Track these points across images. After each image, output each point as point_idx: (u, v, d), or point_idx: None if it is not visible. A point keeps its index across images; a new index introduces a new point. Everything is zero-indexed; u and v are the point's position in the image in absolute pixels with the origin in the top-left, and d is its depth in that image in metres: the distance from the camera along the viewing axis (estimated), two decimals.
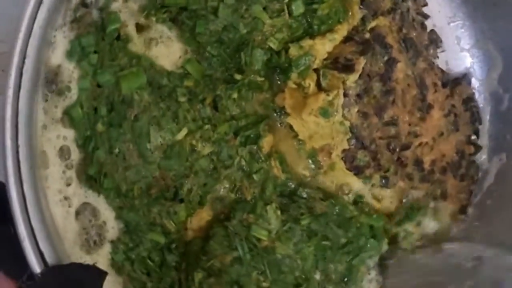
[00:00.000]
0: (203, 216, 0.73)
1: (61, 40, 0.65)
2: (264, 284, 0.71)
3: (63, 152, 0.66)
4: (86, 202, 0.67)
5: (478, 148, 0.83)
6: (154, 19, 0.69)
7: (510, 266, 0.67)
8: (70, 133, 0.67)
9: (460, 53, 0.84)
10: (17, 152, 0.61)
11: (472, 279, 0.68)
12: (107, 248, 0.68)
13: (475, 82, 0.83)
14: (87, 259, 0.67)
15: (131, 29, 0.69)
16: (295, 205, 0.74)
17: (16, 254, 0.59)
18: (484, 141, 0.82)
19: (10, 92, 0.60)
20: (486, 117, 0.82)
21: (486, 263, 0.69)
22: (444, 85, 0.80)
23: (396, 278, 0.75)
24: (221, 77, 0.72)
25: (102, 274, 0.61)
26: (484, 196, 0.81)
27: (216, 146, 0.72)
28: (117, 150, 0.67)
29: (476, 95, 0.82)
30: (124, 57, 0.68)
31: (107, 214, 0.68)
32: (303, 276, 0.73)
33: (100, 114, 0.67)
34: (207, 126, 0.71)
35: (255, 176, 0.74)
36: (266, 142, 0.74)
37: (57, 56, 0.65)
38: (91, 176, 0.67)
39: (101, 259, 0.68)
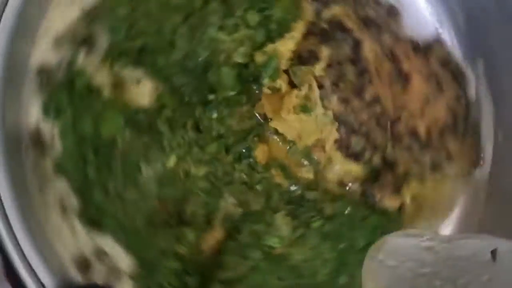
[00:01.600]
0: (215, 235, 0.74)
1: (34, 104, 0.69)
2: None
3: (64, 203, 0.69)
4: (96, 247, 0.70)
5: (468, 103, 0.82)
6: (117, 67, 0.73)
7: None
8: (64, 184, 0.70)
9: None
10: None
11: (488, 273, 0.62)
12: (128, 283, 0.70)
13: None
14: None
15: (99, 80, 0.72)
16: (304, 209, 0.74)
17: None
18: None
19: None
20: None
21: (503, 256, 0.63)
22: (416, 52, 0.81)
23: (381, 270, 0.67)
24: (197, 101, 0.74)
25: None
26: None
27: (210, 166, 0.73)
28: (112, 191, 0.70)
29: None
30: (98, 104, 0.71)
31: (117, 251, 0.70)
32: (328, 281, 0.72)
33: (88, 159, 0.70)
34: (195, 149, 0.73)
35: (258, 187, 0.74)
36: (260, 152, 0.75)
37: (33, 118, 0.69)
38: (93, 219, 0.70)
39: None
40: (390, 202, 0.77)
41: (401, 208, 0.78)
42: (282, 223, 0.73)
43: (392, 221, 0.76)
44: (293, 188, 0.76)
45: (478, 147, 0.81)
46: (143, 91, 0.73)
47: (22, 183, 0.67)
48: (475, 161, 0.81)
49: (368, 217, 0.76)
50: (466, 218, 0.81)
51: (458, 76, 0.82)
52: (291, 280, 0.71)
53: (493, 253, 0.62)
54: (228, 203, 0.74)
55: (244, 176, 0.74)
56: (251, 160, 0.75)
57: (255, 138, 0.75)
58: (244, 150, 0.75)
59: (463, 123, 0.81)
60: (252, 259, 0.71)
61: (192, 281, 0.71)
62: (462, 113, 0.82)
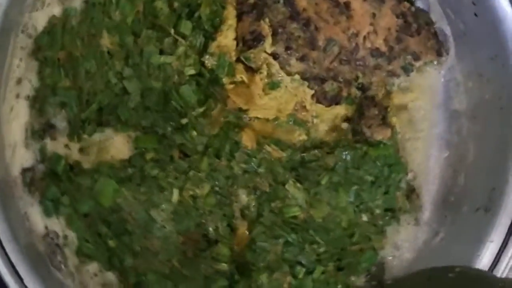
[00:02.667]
0: (242, 230, 0.77)
1: (33, 211, 0.72)
2: (321, 250, 0.77)
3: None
4: None
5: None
6: (86, 136, 0.74)
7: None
8: (94, 266, 0.74)
9: None
10: None
11: None
12: None
13: None
14: None
15: (74, 155, 0.74)
16: (309, 171, 0.78)
17: None
18: None
19: None
20: None
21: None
22: None
23: None
24: (172, 130, 0.75)
25: None
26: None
27: (210, 180, 0.76)
28: (138, 249, 0.73)
29: None
30: (86, 179, 0.73)
31: None
32: (352, 224, 0.78)
33: (104, 233, 0.73)
34: (191, 173, 0.75)
35: (260, 170, 0.77)
36: (246, 140, 0.77)
37: (39, 223, 0.72)
38: (136, 282, 0.74)
39: None
40: (380, 134, 0.80)
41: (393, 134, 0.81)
42: (294, 191, 0.76)
43: (389, 148, 0.80)
44: (292, 156, 0.78)
45: (436, 36, 0.83)
46: (119, 145, 0.74)
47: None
48: (439, 49, 0.83)
49: (366, 153, 0.79)
50: None
51: None
52: (324, 240, 0.76)
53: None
54: (241, 198, 0.77)
55: (244, 166, 0.76)
56: (242, 150, 0.76)
57: (236, 130, 0.77)
58: (231, 147, 0.76)
59: (413, 19, 0.83)
60: (283, 237, 0.75)
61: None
62: (408, 11, 0.83)
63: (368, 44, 0.81)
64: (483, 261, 0.73)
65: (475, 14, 0.78)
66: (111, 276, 0.75)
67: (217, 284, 0.75)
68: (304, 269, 0.75)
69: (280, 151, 0.78)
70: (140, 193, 0.74)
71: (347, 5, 0.80)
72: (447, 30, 0.84)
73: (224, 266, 0.75)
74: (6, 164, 0.72)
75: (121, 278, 0.75)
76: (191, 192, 0.75)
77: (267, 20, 0.76)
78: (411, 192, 0.82)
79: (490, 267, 0.73)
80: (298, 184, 0.77)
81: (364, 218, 0.78)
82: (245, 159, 0.77)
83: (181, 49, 0.75)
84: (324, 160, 0.78)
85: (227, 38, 0.76)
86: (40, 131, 0.74)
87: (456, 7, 0.81)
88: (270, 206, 0.76)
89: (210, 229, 0.75)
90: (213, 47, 0.76)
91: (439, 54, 0.83)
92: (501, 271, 0.72)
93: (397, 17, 0.82)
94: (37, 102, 0.74)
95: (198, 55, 0.76)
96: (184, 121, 0.75)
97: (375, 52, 0.81)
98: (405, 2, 0.82)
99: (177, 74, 0.75)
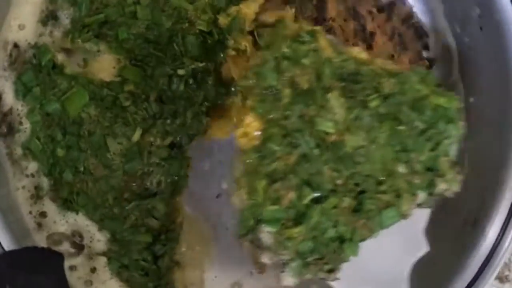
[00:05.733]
0: (252, 123, 0.64)
1: (7, 87, 0.73)
2: (339, 182, 0.63)
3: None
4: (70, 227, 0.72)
5: (431, 61, 0.83)
6: (79, 40, 0.73)
7: None
8: (34, 165, 0.72)
9: None
10: None
11: None
12: (102, 260, 0.72)
13: None
14: None
15: (62, 56, 0.73)
16: (359, 86, 0.65)
17: None
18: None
19: None
20: None
21: None
22: (379, 11, 0.81)
23: None
24: (161, 73, 0.74)
25: (60, 256, 0.64)
26: None
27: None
28: (82, 168, 0.71)
29: None
30: (63, 81, 0.72)
31: (90, 228, 0.72)
32: (385, 169, 0.65)
33: (57, 139, 0.71)
34: (160, 121, 0.73)
35: (305, 61, 0.65)
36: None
37: (8, 102, 0.72)
38: (66, 198, 0.71)
39: (100, 272, 0.72)
40: None
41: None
42: (335, 104, 0.64)
43: (453, 100, 0.68)
44: (345, 64, 0.66)
45: None
46: (104, 65, 0.73)
47: None
48: None
49: (428, 96, 0.67)
50: None
51: (421, 34, 0.83)
52: (346, 171, 0.63)
53: None
54: None
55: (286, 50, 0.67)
56: None
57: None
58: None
59: None
60: (302, 147, 0.63)
61: (159, 248, 0.73)
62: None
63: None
64: (464, 276, 0.71)
65: (481, 28, 0.76)
66: (45, 183, 0.73)
67: (140, 237, 0.72)
68: (312, 194, 0.61)
69: (332, 52, 0.66)
70: (105, 118, 0.72)
71: (371, 35, 0.80)
72: (453, 44, 0.82)
73: (154, 222, 0.73)
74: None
75: (54, 188, 0.73)
76: (152, 139, 0.73)
77: (293, 10, 0.77)
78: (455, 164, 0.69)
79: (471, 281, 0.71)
80: (342, 99, 0.64)
81: (401, 169, 0.65)
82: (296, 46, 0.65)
83: (201, 2, 0.75)
84: (379, 80, 0.65)
85: (249, 9, 0.76)
86: (45, 17, 0.74)
87: (462, 20, 0.79)
88: (302, 111, 0.62)
89: (154, 181, 0.73)
90: (233, 9, 0.75)
91: None
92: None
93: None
94: None
95: (214, 15, 0.76)
96: (182, 72, 0.73)
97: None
98: (426, 61, 0.83)
99: (189, 23, 0.75)
